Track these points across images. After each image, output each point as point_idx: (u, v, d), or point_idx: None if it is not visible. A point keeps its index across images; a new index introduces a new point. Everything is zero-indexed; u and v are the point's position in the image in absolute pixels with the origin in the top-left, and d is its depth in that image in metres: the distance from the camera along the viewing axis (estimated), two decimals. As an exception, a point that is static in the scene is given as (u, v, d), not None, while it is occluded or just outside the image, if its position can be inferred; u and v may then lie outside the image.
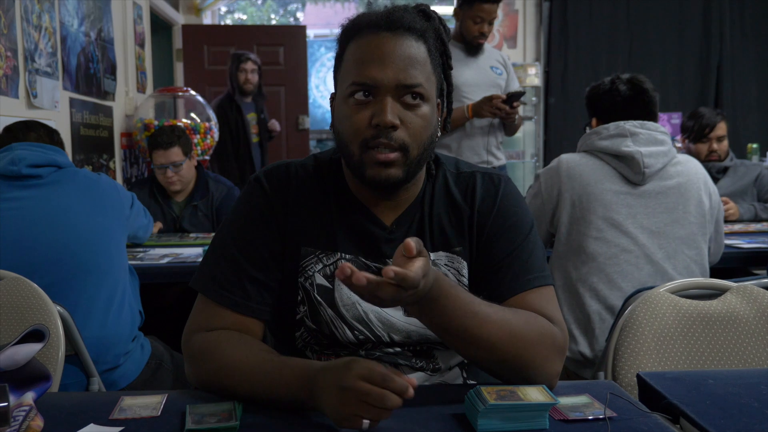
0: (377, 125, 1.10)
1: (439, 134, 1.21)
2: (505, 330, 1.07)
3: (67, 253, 1.88)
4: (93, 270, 1.91)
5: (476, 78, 3.29)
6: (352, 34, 1.17)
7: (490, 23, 3.27)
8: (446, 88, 1.24)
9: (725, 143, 3.32)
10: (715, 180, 3.20)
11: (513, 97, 3.09)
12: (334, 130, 1.19)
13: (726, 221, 3.10)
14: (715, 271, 2.19)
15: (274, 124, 5.30)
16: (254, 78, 4.94)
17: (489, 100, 3.09)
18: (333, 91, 1.23)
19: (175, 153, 3.13)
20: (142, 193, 3.23)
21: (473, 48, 3.32)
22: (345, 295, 1.20)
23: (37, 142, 2.06)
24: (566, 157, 2.18)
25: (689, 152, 3.34)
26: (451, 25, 3.43)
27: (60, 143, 2.16)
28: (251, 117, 5.03)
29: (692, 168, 2.14)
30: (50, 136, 2.14)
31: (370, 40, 1.14)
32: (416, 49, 1.14)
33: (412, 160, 1.14)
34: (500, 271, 1.20)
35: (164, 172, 3.15)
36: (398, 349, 1.22)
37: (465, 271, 1.23)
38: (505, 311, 1.10)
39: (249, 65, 4.90)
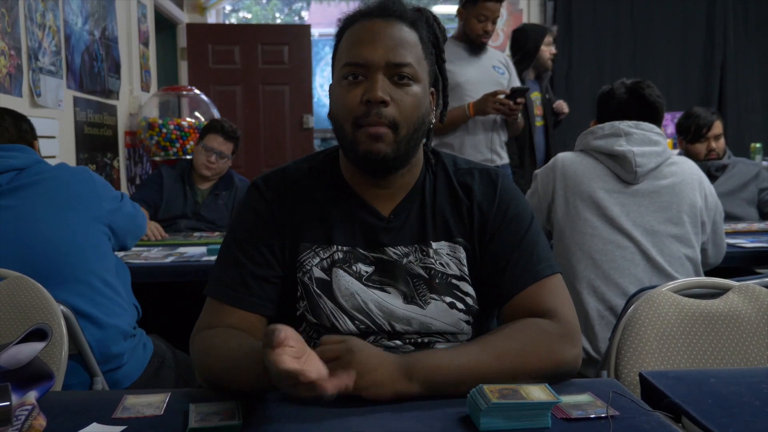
0: (368, 101, 1.14)
1: (434, 120, 1.26)
2: (493, 358, 1.08)
3: (36, 262, 1.79)
4: (68, 275, 1.83)
5: (479, 76, 3.29)
6: (347, 24, 1.23)
7: (494, 21, 3.29)
8: (441, 81, 1.30)
9: (722, 141, 3.33)
10: (714, 178, 3.20)
11: (517, 93, 3.09)
12: (331, 116, 1.23)
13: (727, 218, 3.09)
14: (718, 271, 2.19)
15: (562, 105, 4.48)
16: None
17: (493, 95, 3.09)
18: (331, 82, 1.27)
19: (228, 147, 3.33)
20: (171, 173, 3.37)
21: (476, 47, 3.34)
22: (343, 286, 1.22)
23: (1, 141, 1.95)
24: (562, 156, 2.22)
25: (687, 153, 3.34)
26: (455, 24, 3.44)
27: (27, 131, 2.04)
28: (535, 97, 4.24)
29: (687, 168, 2.15)
30: (17, 127, 2.02)
31: (363, 25, 1.21)
32: (407, 33, 1.20)
33: (402, 138, 1.17)
34: (508, 265, 1.21)
35: (208, 156, 3.29)
36: (398, 342, 1.23)
37: (465, 260, 1.25)
38: (486, 340, 1.12)
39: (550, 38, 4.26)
